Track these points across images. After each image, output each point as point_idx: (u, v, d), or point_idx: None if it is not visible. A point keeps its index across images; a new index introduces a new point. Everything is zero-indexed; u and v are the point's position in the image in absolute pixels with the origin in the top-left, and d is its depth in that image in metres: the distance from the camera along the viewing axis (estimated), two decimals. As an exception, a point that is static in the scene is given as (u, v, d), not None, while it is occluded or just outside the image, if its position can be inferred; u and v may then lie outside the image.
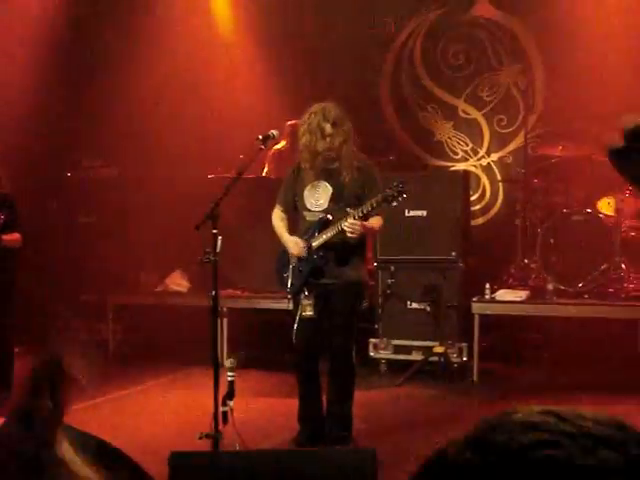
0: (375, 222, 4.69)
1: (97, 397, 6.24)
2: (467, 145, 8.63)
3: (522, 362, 7.12)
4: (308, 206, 4.77)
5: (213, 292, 4.25)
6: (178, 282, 7.94)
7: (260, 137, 4.55)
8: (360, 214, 4.47)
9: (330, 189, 4.71)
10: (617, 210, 6.94)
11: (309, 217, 4.77)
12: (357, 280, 4.78)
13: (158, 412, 5.94)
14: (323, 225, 4.69)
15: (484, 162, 8.59)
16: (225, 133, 8.26)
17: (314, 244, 4.69)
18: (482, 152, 8.59)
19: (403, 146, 8.74)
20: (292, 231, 4.87)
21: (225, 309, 7.44)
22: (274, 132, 4.58)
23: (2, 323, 5.95)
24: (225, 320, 7.44)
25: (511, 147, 8.43)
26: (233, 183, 4.37)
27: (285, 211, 4.93)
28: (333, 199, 4.69)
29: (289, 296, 4.84)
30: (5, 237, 5.82)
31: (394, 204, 4.47)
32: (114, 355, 7.88)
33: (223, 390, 4.35)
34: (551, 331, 7.20)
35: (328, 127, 4.61)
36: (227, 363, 4.27)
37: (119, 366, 7.40)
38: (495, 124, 8.53)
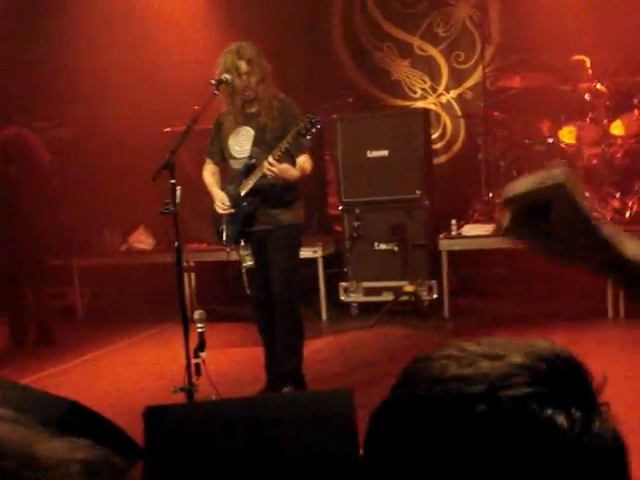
0: (302, 162, 4.59)
1: (68, 361, 6.18)
2: (425, 83, 8.54)
3: (492, 296, 7.16)
4: (234, 154, 4.69)
5: (176, 243, 4.17)
6: (142, 239, 7.83)
7: (213, 82, 4.43)
8: (279, 153, 4.38)
9: (252, 132, 4.61)
10: (578, 138, 6.93)
11: (235, 165, 4.69)
12: (290, 222, 4.66)
13: (131, 371, 5.89)
14: (248, 170, 4.59)
15: (443, 99, 8.51)
16: (180, 85, 8.06)
17: (242, 192, 4.60)
18: (441, 89, 8.50)
19: (360, 87, 8.63)
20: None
21: (192, 263, 7.37)
22: (227, 76, 4.45)
23: None
24: (193, 274, 7.39)
25: (470, 82, 8.35)
26: (188, 131, 4.26)
27: (215, 163, 4.84)
28: (255, 142, 4.59)
29: (227, 249, 4.77)
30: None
31: (308, 137, 4.39)
32: (83, 318, 7.80)
33: (194, 344, 4.29)
34: (519, 264, 7.21)
35: (243, 65, 4.50)
36: (196, 315, 4.21)
37: (89, 329, 7.32)
38: (453, 60, 8.43)
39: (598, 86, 6.99)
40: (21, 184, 6.55)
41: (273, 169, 4.39)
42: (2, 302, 6.96)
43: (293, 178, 4.55)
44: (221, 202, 4.66)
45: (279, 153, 4.39)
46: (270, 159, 4.39)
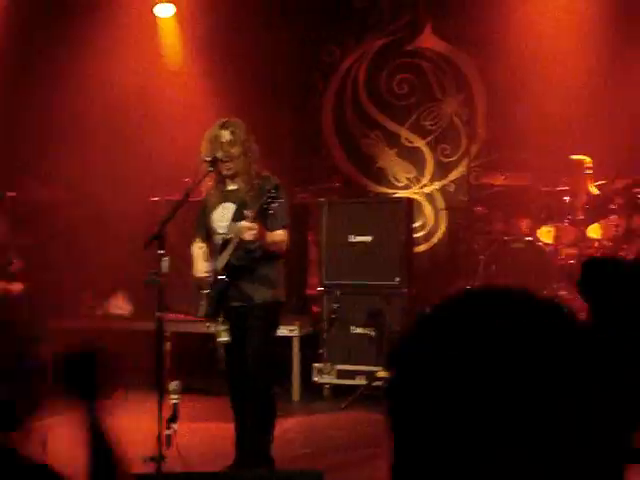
0: (276, 235, 4.57)
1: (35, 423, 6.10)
2: (410, 173, 8.74)
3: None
4: (216, 229, 4.70)
5: (157, 314, 4.20)
6: (120, 305, 7.82)
7: (208, 159, 4.53)
8: (250, 219, 4.35)
9: (233, 207, 4.64)
10: (556, 238, 7.09)
11: (217, 240, 4.70)
12: (266, 300, 4.61)
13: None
14: (224, 245, 4.60)
15: (427, 190, 8.70)
16: (170, 156, 8.20)
17: (219, 266, 4.60)
18: (425, 180, 8.70)
19: (346, 173, 8.82)
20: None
21: (168, 333, 7.34)
22: (221, 154, 4.56)
23: None
24: (168, 344, 7.35)
25: (454, 176, 8.57)
26: (181, 204, 4.34)
27: (202, 239, 4.83)
28: (234, 218, 4.59)
29: (207, 323, 4.76)
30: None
31: (270, 212, 4.39)
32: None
33: (166, 414, 4.28)
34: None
35: (226, 134, 4.57)
36: (171, 386, 4.21)
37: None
38: (438, 153, 8.66)
39: (592, 188, 7.18)
40: None
41: (251, 231, 4.33)
42: None
43: (267, 243, 4.50)
44: (202, 268, 4.67)
45: (251, 220, 4.36)
46: (244, 222, 4.35)
